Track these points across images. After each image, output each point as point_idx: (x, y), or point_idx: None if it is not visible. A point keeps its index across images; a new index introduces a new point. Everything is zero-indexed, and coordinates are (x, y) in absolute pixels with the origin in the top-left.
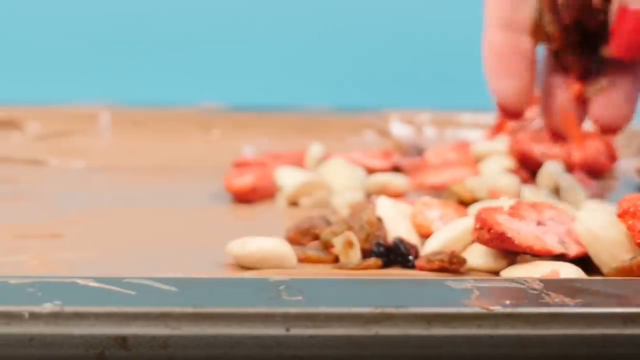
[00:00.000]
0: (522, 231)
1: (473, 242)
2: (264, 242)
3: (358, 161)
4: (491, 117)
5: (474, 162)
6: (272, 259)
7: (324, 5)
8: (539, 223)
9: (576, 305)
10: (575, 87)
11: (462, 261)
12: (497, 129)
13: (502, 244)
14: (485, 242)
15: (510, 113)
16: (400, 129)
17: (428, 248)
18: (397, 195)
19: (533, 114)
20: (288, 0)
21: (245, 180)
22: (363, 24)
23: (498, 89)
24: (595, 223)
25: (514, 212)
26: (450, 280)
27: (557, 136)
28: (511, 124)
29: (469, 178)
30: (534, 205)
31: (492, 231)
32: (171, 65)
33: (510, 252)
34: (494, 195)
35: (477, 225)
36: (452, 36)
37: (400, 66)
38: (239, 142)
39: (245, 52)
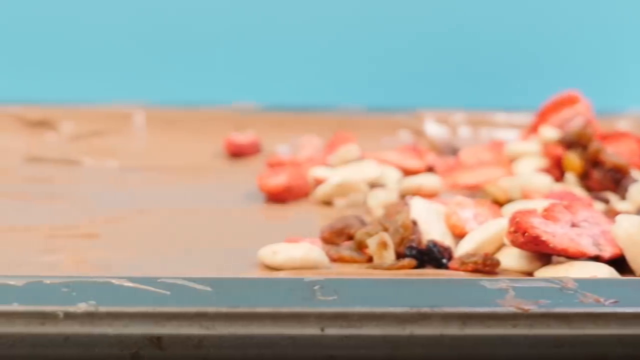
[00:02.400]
0: (556, 234)
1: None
2: (294, 251)
3: (392, 161)
4: (526, 117)
5: (508, 162)
6: (303, 267)
7: (359, 4)
8: (574, 225)
9: (611, 305)
10: None
11: (496, 263)
12: (532, 129)
13: (536, 247)
14: (519, 245)
15: None
16: (434, 129)
17: (461, 249)
18: (431, 195)
19: (572, 112)
20: (322, 2)
21: (279, 180)
22: (398, 23)
23: None
24: (634, 227)
25: (548, 214)
26: (485, 280)
27: None
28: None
29: (503, 178)
30: (568, 207)
31: (526, 234)
32: (205, 65)
33: (545, 255)
34: (527, 195)
35: (512, 229)
36: (487, 35)
37: (435, 66)
38: (273, 142)
39: (279, 52)
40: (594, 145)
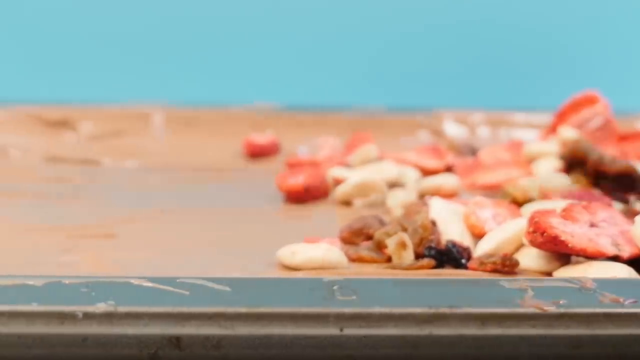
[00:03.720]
0: (575, 234)
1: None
2: (313, 252)
3: (411, 161)
4: (545, 117)
5: (527, 162)
6: (322, 267)
7: (378, 5)
8: (592, 225)
9: (630, 305)
10: None
11: (515, 264)
12: (551, 129)
13: (555, 247)
14: (538, 245)
15: None
16: (453, 129)
17: (480, 250)
18: (450, 195)
19: (591, 112)
20: (342, 1)
21: (298, 180)
22: (418, 23)
23: None
24: None
25: (566, 214)
26: (504, 280)
27: None
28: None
29: (522, 178)
30: (586, 207)
31: (545, 234)
32: (225, 65)
33: (564, 255)
34: (546, 195)
35: (531, 229)
36: (507, 36)
37: (454, 66)
38: (292, 142)
39: (298, 52)
40: (592, 158)
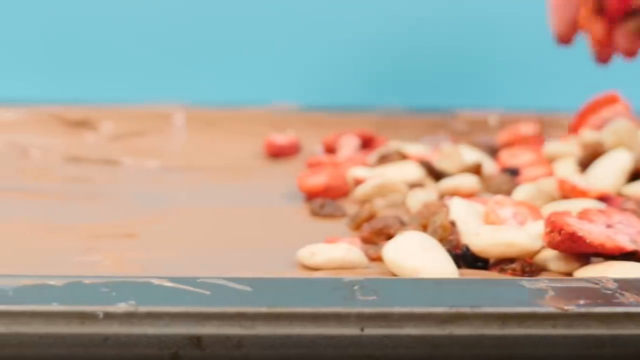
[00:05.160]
0: (592, 231)
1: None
2: (333, 252)
3: (430, 161)
4: (565, 117)
5: (548, 161)
6: (342, 267)
7: (397, 4)
8: (609, 226)
9: None
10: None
11: (535, 270)
12: (572, 130)
13: (573, 245)
14: (556, 245)
15: (562, 40)
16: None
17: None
18: (469, 195)
19: (612, 113)
20: (362, 1)
21: (318, 179)
22: (437, 24)
23: (552, 22)
24: None
25: (583, 216)
26: (525, 280)
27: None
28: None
29: (542, 178)
30: (602, 211)
31: (562, 232)
32: (246, 65)
33: (582, 255)
34: (566, 196)
35: (548, 229)
36: (524, 36)
37: (473, 66)
38: (312, 142)
39: (319, 52)
40: None
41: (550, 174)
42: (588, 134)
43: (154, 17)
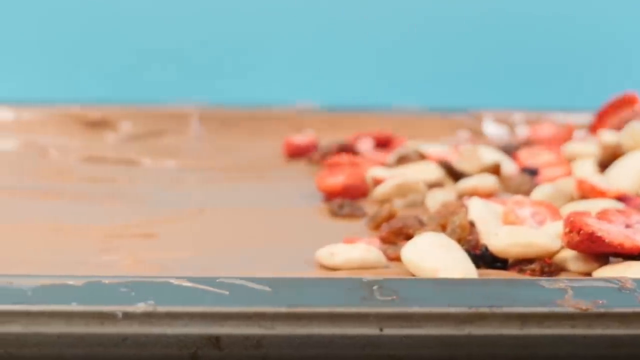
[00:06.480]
0: (611, 231)
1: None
2: (351, 252)
3: (449, 161)
4: (585, 117)
5: (568, 161)
6: (361, 267)
7: (417, 4)
8: (627, 226)
9: None
10: None
11: (554, 270)
12: (591, 130)
13: (592, 245)
14: (575, 246)
15: None
16: (493, 129)
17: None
18: (488, 195)
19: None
20: (382, 1)
21: (338, 179)
22: (457, 23)
23: None
24: None
25: (602, 216)
26: (544, 280)
27: None
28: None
29: (561, 178)
30: (621, 211)
31: (581, 232)
32: (265, 65)
33: (601, 255)
34: (585, 196)
35: (567, 229)
36: (547, 35)
37: (494, 66)
38: (332, 142)
39: (339, 52)
40: None
41: (569, 174)
42: (607, 135)
43: (174, 17)
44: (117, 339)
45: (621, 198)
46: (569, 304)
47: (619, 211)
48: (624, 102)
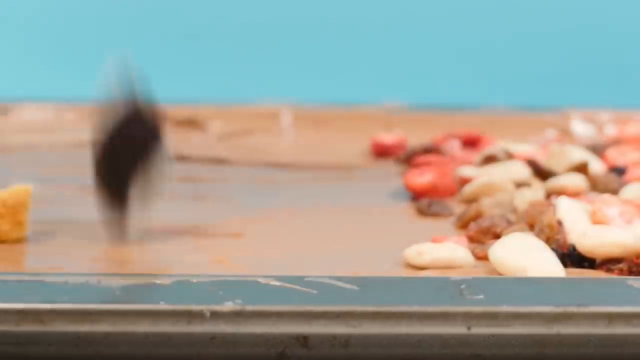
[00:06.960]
0: None
1: None
2: (439, 252)
3: (537, 160)
4: None
5: None
6: (449, 266)
7: (504, 5)
8: None
9: None
10: None
11: None
12: None
13: None
14: None
15: None
16: (581, 128)
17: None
18: (576, 194)
19: None
20: (469, 1)
21: (425, 178)
22: (547, 21)
23: None
24: None
25: None
26: (632, 279)
27: None
28: None
29: None
30: None
31: None
32: (354, 64)
33: None
34: None
35: None
36: (636, 34)
37: (582, 64)
38: (419, 141)
39: (428, 51)
40: None
41: None
42: None
43: (263, 16)
44: (204, 338)
45: None
46: None
47: None
48: None
